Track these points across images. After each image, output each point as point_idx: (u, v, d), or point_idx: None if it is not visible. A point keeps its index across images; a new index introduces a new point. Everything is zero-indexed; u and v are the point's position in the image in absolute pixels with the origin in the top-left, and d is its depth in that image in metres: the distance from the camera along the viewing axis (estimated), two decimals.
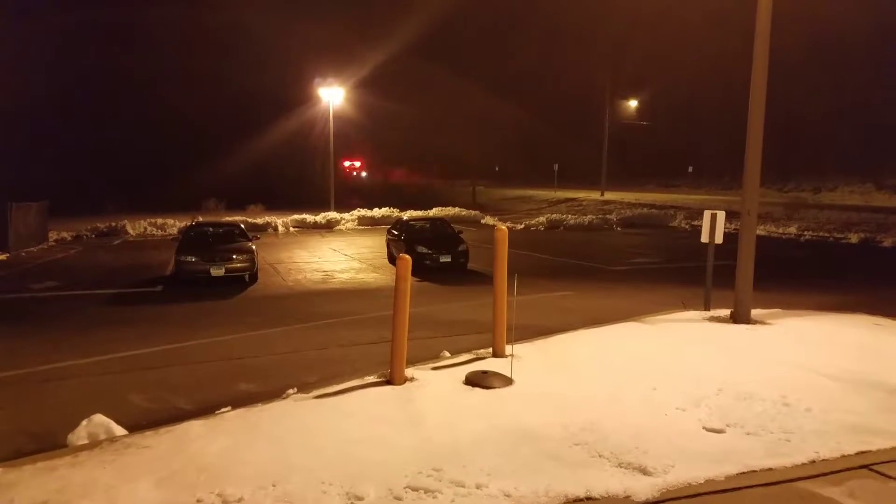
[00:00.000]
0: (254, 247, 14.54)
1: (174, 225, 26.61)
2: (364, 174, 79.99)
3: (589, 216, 31.14)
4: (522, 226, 29.17)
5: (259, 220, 28.11)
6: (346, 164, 77.30)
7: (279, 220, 28.51)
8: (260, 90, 58.36)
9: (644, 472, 4.40)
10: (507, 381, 6.34)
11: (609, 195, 42.62)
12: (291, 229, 28.46)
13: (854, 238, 22.83)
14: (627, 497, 4.10)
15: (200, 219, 22.61)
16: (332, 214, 30.46)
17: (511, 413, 5.54)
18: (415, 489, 4.15)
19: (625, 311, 10.18)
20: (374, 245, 21.57)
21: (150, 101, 57.00)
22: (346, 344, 8.75)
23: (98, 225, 26.17)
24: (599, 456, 4.67)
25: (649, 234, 26.14)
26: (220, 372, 7.55)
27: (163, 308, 11.69)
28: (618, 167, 51.11)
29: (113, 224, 26.45)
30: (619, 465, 4.52)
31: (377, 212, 31.25)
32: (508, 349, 7.16)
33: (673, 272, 15.96)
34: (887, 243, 21.55)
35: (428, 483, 4.22)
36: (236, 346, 8.76)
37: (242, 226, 16.76)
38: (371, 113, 51.99)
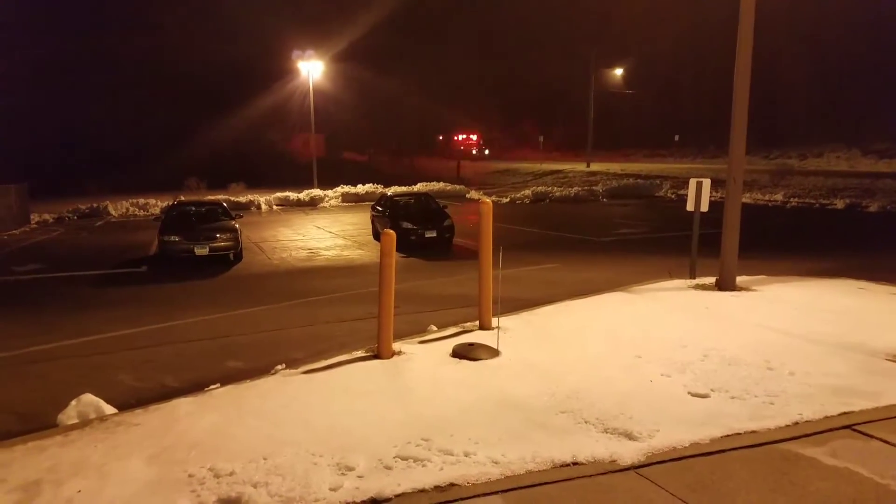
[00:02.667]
0: (237, 225, 14.41)
1: (156, 205, 26.28)
2: (487, 151, 64.87)
3: (575, 188, 31.11)
4: (508, 199, 29.09)
5: (242, 199, 27.81)
6: (460, 137, 65.56)
7: (262, 199, 28.23)
8: (238, 65, 57.25)
9: (629, 436, 4.46)
10: (494, 353, 6.38)
11: (595, 166, 42.61)
12: (275, 207, 28.22)
13: (840, 204, 23.04)
14: (613, 461, 4.16)
15: (182, 198, 22.34)
16: (316, 192, 30.16)
17: (498, 383, 5.59)
18: (404, 458, 4.19)
19: (611, 281, 10.24)
20: (358, 222, 21.45)
21: (127, 80, 55.75)
22: (332, 320, 8.74)
23: (80, 206, 25.77)
24: (585, 422, 4.73)
25: (635, 205, 26.21)
26: (208, 350, 7.52)
27: (148, 288, 11.59)
28: (604, 138, 51.00)
29: (95, 205, 26.06)
30: (605, 431, 4.58)
31: (361, 188, 31.00)
32: (495, 321, 7.19)
33: (659, 242, 16.05)
34: (873, 208, 21.78)
35: (417, 452, 4.25)
36: (223, 325, 8.72)
37: (225, 204, 16.56)
38: (352, 87, 51.28)
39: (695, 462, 4.16)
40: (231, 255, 13.79)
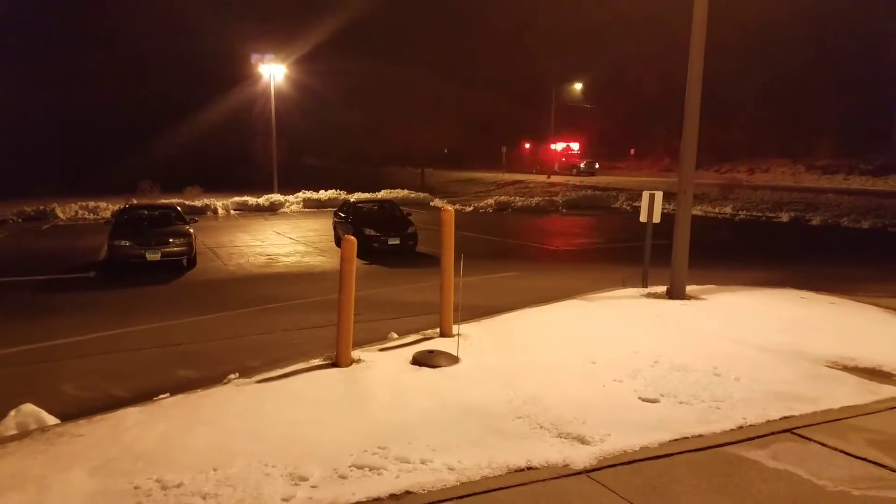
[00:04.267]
0: (192, 230, 14.12)
1: (107, 208, 25.43)
2: (596, 166, 48.97)
3: (536, 198, 31.55)
4: (471, 208, 29.29)
5: (197, 203, 27.17)
6: (556, 147, 50.88)
7: (219, 203, 27.64)
8: (197, 68, 56.10)
9: (582, 441, 4.55)
10: (454, 360, 6.40)
11: (555, 178, 43.30)
12: (232, 212, 27.68)
13: (785, 217, 23.96)
14: (566, 465, 4.24)
15: (135, 201, 21.73)
16: (276, 197, 29.73)
17: (457, 390, 5.61)
18: (360, 467, 4.16)
19: (569, 289, 10.40)
20: (320, 228, 21.24)
21: (79, 80, 53.98)
22: (290, 328, 8.62)
23: (25, 209, 24.75)
24: (541, 427, 4.80)
25: (593, 216, 26.72)
26: (158, 359, 7.33)
27: (96, 294, 11.22)
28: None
29: (42, 208, 25.07)
30: (559, 436, 4.66)
31: (323, 194, 30.72)
32: (455, 329, 7.22)
33: (615, 252, 16.41)
34: (815, 221, 22.74)
35: (373, 461, 4.24)
36: (175, 333, 8.50)
37: (179, 208, 16.21)
38: (314, 92, 50.84)
39: (644, 465, 4.27)
40: (184, 261, 13.48)
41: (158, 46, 57.92)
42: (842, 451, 4.49)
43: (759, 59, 44.71)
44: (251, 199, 28.86)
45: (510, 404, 5.26)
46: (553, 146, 51.42)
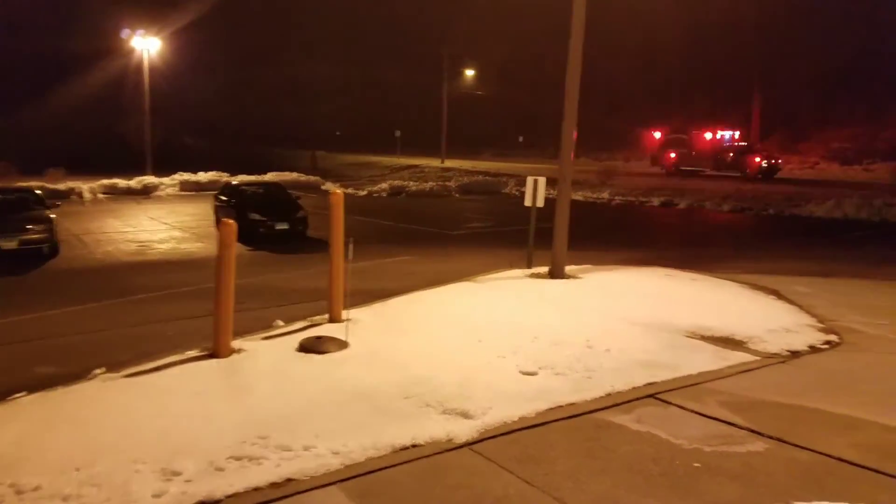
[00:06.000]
0: (53, 216, 13.04)
1: None
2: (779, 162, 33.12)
3: (430, 183, 31.74)
4: (365, 192, 28.96)
5: (60, 186, 24.74)
6: (713, 136, 34.68)
7: (85, 186, 25.36)
8: (62, 40, 50.83)
9: (466, 415, 4.70)
10: (343, 345, 6.35)
11: (449, 163, 43.81)
12: (100, 196, 25.50)
13: (656, 201, 25.81)
14: (450, 440, 4.37)
15: None
16: (150, 179, 27.70)
17: (345, 375, 5.58)
18: (238, 458, 4.04)
19: (461, 272, 10.62)
20: (199, 213, 20.11)
21: None
22: (164, 319, 8.13)
23: None
24: (427, 406, 4.90)
25: (484, 200, 27.37)
26: (14, 356, 6.69)
27: None
28: (456, 136, 52.52)
29: None
30: (444, 412, 4.78)
31: (203, 176, 29.01)
32: (345, 314, 7.15)
33: (504, 235, 16.94)
34: (682, 205, 24.72)
35: (252, 451, 4.13)
36: (34, 327, 7.78)
37: (39, 192, 14.76)
38: (195, 68, 47.84)
39: (521, 435, 4.50)
40: (45, 249, 12.36)
41: (16, 17, 51.80)
42: (697, 413, 4.94)
43: (641, 54, 47.61)
44: (122, 182, 26.73)
45: (399, 386, 5.30)
46: (714, 134, 34.67)
